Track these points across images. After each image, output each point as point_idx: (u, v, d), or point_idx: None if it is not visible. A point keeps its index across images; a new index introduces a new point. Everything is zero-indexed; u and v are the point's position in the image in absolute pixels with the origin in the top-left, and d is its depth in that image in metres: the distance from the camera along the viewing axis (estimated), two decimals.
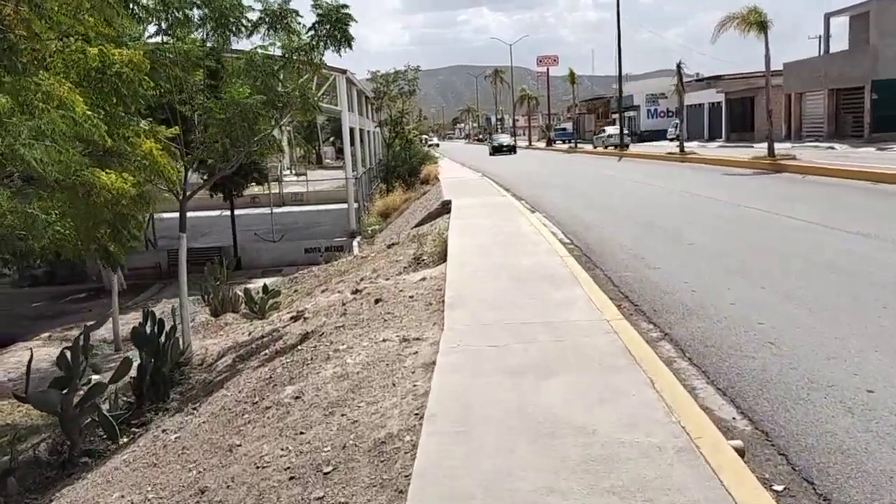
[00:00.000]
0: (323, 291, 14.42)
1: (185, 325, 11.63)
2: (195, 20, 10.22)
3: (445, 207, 19.43)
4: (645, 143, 54.23)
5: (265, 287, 15.70)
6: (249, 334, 12.53)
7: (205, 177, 14.40)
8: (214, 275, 17.97)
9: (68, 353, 8.97)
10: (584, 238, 12.37)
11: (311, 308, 11.68)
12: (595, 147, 53.52)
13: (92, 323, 8.91)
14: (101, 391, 8.60)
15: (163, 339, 10.58)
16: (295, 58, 11.77)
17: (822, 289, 7.99)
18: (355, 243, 25.92)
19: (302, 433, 5.44)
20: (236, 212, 43.34)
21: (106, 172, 7.57)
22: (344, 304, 10.75)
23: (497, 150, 57.17)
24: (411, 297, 9.26)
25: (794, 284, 8.25)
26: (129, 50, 8.62)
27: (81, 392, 8.84)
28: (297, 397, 6.26)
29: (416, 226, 19.46)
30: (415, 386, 5.62)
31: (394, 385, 5.79)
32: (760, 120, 45.88)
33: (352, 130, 34.85)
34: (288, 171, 71.76)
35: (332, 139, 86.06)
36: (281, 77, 11.43)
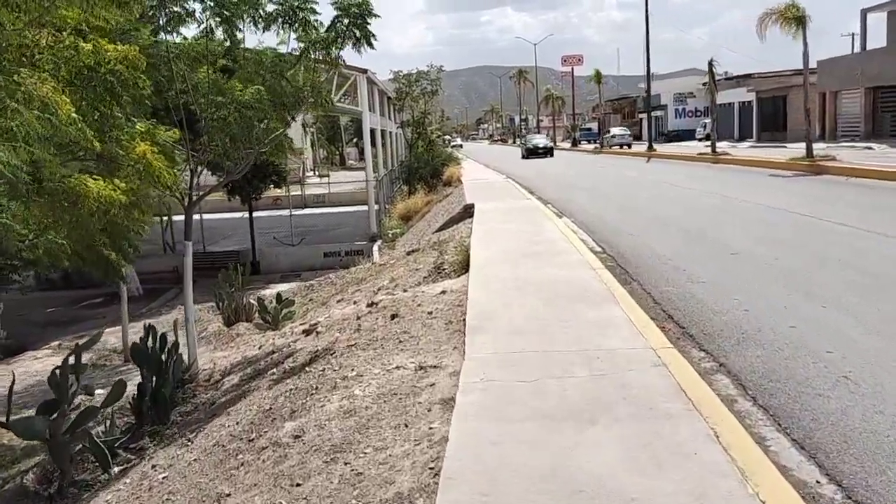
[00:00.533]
0: (339, 301, 13.67)
1: (191, 340, 10.93)
2: (196, 15, 9.49)
3: (468, 211, 18.61)
4: (673, 144, 53.02)
5: (279, 296, 14.99)
6: (260, 348, 11.82)
7: (222, 180, 13.71)
8: (229, 281, 17.30)
9: (59, 373, 8.29)
10: (618, 246, 11.48)
11: (324, 321, 10.92)
12: (603, 147, 52.62)
13: (85, 340, 8.24)
14: (92, 416, 7.91)
15: (165, 355, 9.88)
16: (312, 55, 11.06)
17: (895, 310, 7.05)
18: (375, 248, 25.19)
19: (299, 485, 4.66)
20: (258, 214, 42.91)
21: (94, 179, 6.86)
22: (359, 318, 9.98)
23: (532, 152, 49.05)
24: (430, 313, 8.46)
25: (860, 303, 7.32)
26: (124, 45, 7.90)
27: (74, 416, 8.16)
28: (296, 436, 5.48)
29: (437, 230, 18.67)
30: (430, 429, 4.81)
31: (406, 426, 4.99)
32: (793, 119, 44.52)
33: (373, 131, 34.17)
34: (311, 173, 71.62)
35: (355, 140, 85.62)
36: (288, 77, 10.67)
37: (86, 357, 16.05)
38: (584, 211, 16.69)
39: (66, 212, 6.71)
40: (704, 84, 67.28)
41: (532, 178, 28.74)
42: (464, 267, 10.77)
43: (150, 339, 9.87)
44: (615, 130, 57.54)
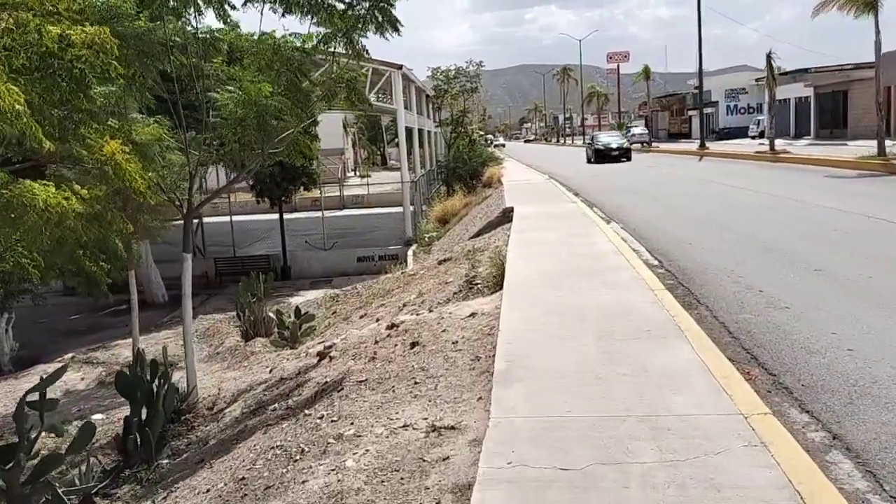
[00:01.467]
0: (361, 317, 12.38)
1: (190, 364, 9.74)
2: None
3: (507, 216, 17.17)
4: (724, 142, 50.64)
5: (297, 311, 13.74)
6: (270, 371, 10.58)
7: (226, 184, 12.53)
8: (251, 290, 16.17)
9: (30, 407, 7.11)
10: (677, 260, 9.93)
11: (339, 344, 9.62)
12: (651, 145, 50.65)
13: (49, 375, 7.06)
14: (55, 465, 6.71)
15: (157, 384, 8.68)
16: (334, 43, 9.78)
17: None
18: (410, 252, 23.90)
19: None
20: (296, 215, 42.16)
21: (43, 185, 5.64)
22: (377, 342, 8.68)
23: (602, 155, 36.28)
24: (455, 343, 7.10)
25: None
26: (93, 27, 6.68)
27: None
28: None
29: (473, 236, 17.27)
30: None
31: None
32: (855, 116, 41.92)
33: (410, 130, 32.92)
34: (352, 173, 70.90)
35: (396, 140, 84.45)
36: (308, 73, 9.40)
37: (95, 373, 15.11)
38: (634, 215, 15.12)
39: (9, 223, 5.50)
40: (758, 80, 64.70)
41: (575, 178, 27.13)
42: (498, 283, 9.38)
43: (139, 366, 8.67)
44: (635, 130, 55.44)
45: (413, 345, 7.66)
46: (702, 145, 39.98)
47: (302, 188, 23.69)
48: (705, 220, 14.05)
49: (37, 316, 21.05)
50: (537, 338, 6.16)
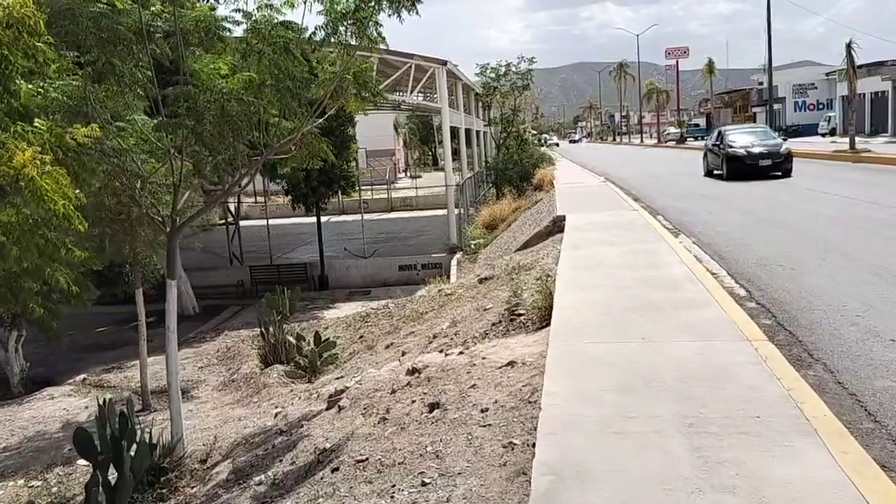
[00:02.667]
0: (387, 346, 10.71)
1: (175, 413, 8.19)
2: None
3: (557, 225, 15.32)
4: (792, 140, 47.45)
5: (317, 336, 12.13)
6: (275, 416, 8.99)
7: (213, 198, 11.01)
8: (276, 307, 14.68)
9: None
10: (770, 289, 7.96)
11: (353, 390, 7.96)
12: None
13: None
14: None
15: (127, 441, 7.15)
16: (341, 29, 8.17)
17: None
18: (454, 262, 22.19)
19: None
20: (343, 218, 40.93)
21: None
22: (393, 392, 7.14)
23: (742, 166, 21.66)
24: (484, 412, 5.41)
25: None
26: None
27: None
28: None
29: (520, 248, 15.47)
30: None
31: None
32: None
33: (456, 130, 31.24)
34: (403, 175, 69.71)
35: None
36: (304, 55, 7.77)
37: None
38: (707, 226, 13.10)
39: None
40: (828, 74, 61.09)
41: (633, 180, 25.02)
42: (544, 317, 7.62)
43: (105, 419, 7.17)
44: (671, 130, 52.33)
45: (433, 407, 5.98)
46: None
47: (339, 192, 22.13)
48: (795, 232, 11.94)
49: (64, 327, 20.05)
50: (594, 424, 4.35)
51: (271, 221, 27.47)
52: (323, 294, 23.35)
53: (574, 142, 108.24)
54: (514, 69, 33.37)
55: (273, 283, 24.65)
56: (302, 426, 7.74)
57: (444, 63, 23.90)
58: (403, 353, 9.56)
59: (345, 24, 8.17)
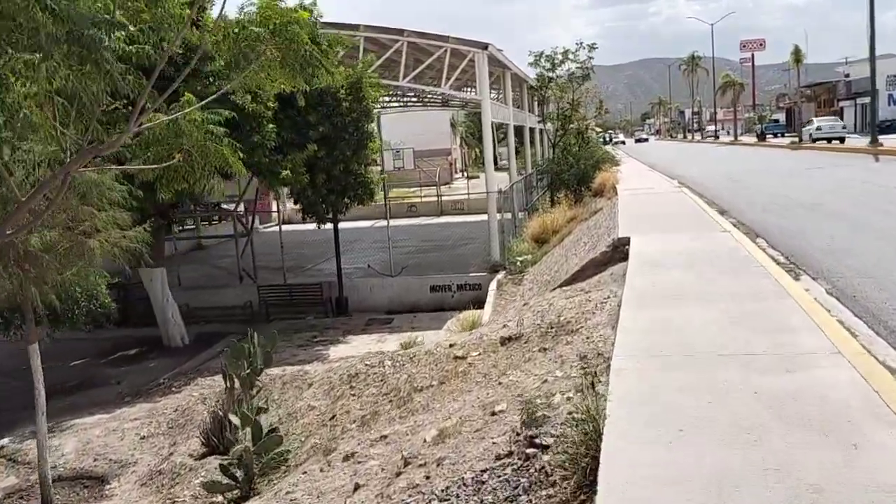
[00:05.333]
0: (346, 458, 6.95)
1: None
2: None
3: (618, 251, 11.36)
4: (885, 136, 41.74)
5: (257, 427, 8.44)
6: None
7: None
8: (244, 356, 11.11)
9: None
10: None
11: None
12: (802, 141, 42.14)
13: None
14: None
15: None
16: None
17: None
18: (494, 284, 18.37)
19: None
20: (395, 223, 37.40)
21: None
22: None
23: None
24: None
25: None
26: None
27: None
28: None
29: (565, 283, 11.54)
30: None
31: None
32: None
33: (504, 127, 27.34)
34: (459, 175, 66.09)
35: (502, 140, 78.57)
36: None
37: (5, 484, 10.51)
38: (835, 258, 8.97)
39: None
40: None
41: (714, 184, 20.68)
42: (585, 455, 3.83)
43: None
44: (710, 128, 46.11)
45: None
46: (873, 140, 31.99)
47: (355, 202, 18.49)
48: None
49: (48, 358, 17.05)
50: None
51: (308, 226, 23.22)
52: (339, 321, 19.82)
53: (641, 140, 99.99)
54: (571, 57, 29.19)
55: (285, 305, 21.28)
56: None
57: (485, 47, 20.01)
58: (356, 489, 5.80)
59: None
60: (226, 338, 18.73)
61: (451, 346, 9.67)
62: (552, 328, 7.94)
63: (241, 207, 24.51)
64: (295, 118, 16.15)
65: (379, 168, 22.95)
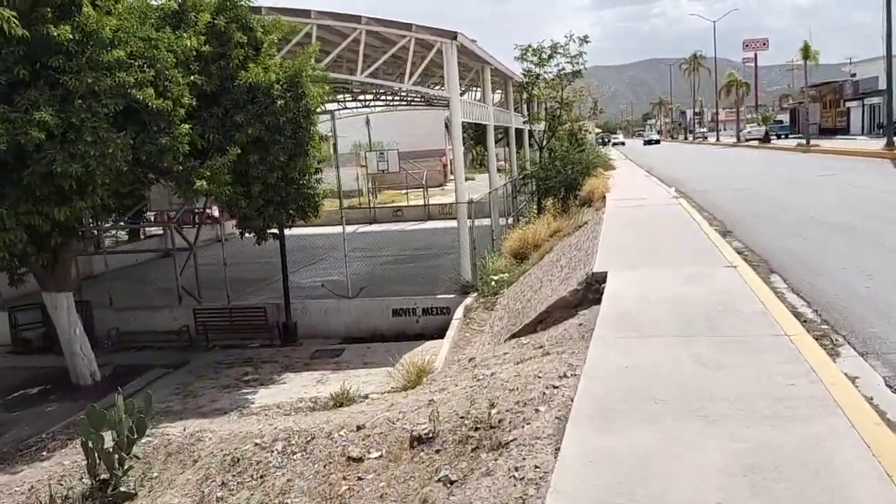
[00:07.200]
0: None
1: None
2: None
3: (591, 289, 8.83)
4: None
5: None
6: None
7: None
8: (106, 424, 8.48)
9: None
10: None
11: None
12: (809, 144, 39.55)
13: None
14: None
15: None
16: None
17: None
18: (461, 311, 15.75)
19: None
20: (374, 228, 34.79)
21: None
22: None
23: None
24: None
25: None
26: None
27: None
28: None
29: (523, 329, 8.99)
30: None
31: None
32: None
33: (483, 127, 24.76)
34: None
35: (501, 140, 75.79)
36: None
37: None
38: (879, 315, 6.40)
39: None
40: None
41: (717, 191, 18.09)
42: None
43: None
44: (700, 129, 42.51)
45: None
46: (889, 144, 29.37)
47: (293, 216, 15.83)
48: None
49: None
50: None
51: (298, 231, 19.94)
52: (284, 351, 17.19)
53: (650, 142, 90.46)
54: (561, 51, 26.60)
55: (225, 331, 18.71)
56: None
57: (455, 36, 17.40)
58: None
59: None
60: (145, 374, 16.13)
61: (357, 427, 7.07)
62: (477, 430, 5.38)
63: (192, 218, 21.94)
64: (221, 118, 13.59)
65: (333, 175, 20.13)
